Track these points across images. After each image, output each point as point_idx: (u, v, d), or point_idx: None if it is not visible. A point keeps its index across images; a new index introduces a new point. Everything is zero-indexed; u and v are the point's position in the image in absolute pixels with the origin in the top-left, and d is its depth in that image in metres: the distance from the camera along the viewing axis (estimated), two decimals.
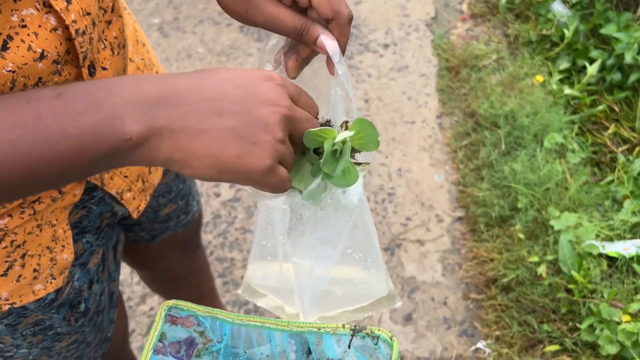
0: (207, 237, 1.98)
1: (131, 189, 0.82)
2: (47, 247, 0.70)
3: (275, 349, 0.75)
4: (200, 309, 0.73)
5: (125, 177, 0.80)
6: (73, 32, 0.56)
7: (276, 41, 0.67)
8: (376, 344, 0.69)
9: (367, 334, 0.69)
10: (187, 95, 0.48)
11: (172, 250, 1.13)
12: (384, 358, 0.70)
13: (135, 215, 0.85)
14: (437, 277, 1.83)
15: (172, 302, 0.72)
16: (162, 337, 0.72)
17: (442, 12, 2.64)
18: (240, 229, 2.01)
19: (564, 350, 1.53)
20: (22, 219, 0.64)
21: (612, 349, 1.40)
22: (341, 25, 0.60)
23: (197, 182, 1.47)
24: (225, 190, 2.13)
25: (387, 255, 1.89)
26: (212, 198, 2.10)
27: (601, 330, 1.44)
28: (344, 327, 0.70)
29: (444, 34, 2.51)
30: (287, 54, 0.66)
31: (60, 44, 0.55)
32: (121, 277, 1.86)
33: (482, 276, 1.77)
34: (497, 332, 1.63)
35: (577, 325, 1.54)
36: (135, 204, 0.85)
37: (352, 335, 0.70)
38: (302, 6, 0.61)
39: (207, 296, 1.39)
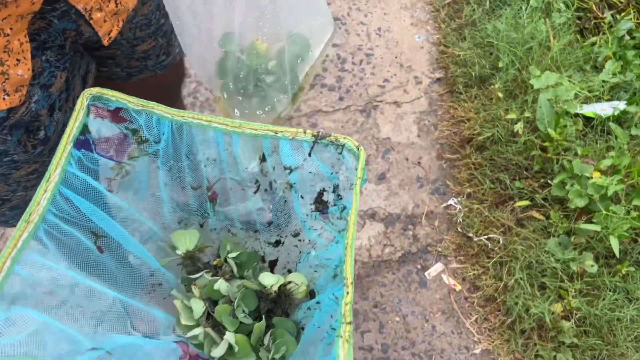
0: None
1: (102, 9, 0.74)
2: None
3: (222, 153, 0.66)
4: (131, 101, 0.62)
5: None
6: None
7: None
8: (340, 153, 0.62)
9: (331, 141, 0.62)
10: None
11: (149, 95, 1.06)
12: (348, 169, 0.63)
13: (105, 42, 0.77)
14: (412, 138, 1.81)
15: (95, 89, 0.61)
16: (84, 131, 0.62)
17: None
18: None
19: (533, 206, 1.56)
20: None
21: (581, 202, 1.42)
22: None
23: None
24: None
25: (363, 116, 1.85)
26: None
27: (572, 185, 1.46)
28: (305, 133, 0.62)
29: None
30: None
31: None
32: None
33: (457, 136, 1.76)
34: (469, 190, 1.65)
35: (549, 182, 1.56)
36: (106, 27, 0.76)
37: (314, 142, 0.62)
38: None
39: None
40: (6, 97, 0.66)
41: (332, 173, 0.64)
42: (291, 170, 0.65)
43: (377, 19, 2.03)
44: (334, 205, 0.66)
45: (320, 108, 1.88)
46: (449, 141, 1.77)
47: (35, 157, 0.77)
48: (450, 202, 1.66)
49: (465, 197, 1.65)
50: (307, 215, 0.69)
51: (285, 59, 0.66)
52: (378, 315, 1.51)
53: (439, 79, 1.90)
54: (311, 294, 0.71)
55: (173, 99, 1.17)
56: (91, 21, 0.73)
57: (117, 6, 0.76)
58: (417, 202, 1.68)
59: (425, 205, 1.67)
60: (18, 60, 0.65)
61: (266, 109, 0.70)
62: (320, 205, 0.67)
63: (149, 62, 0.95)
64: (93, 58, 0.87)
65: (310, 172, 0.65)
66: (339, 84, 1.93)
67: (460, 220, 1.62)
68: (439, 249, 1.59)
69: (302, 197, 0.68)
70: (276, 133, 0.61)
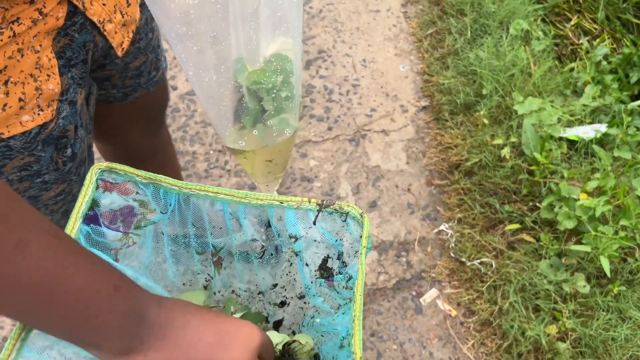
0: None
1: (112, 21, 0.78)
2: (31, 75, 0.66)
3: (229, 222, 0.67)
4: (139, 174, 0.64)
5: (104, 4, 0.76)
6: None
7: None
8: (344, 220, 0.63)
9: (335, 209, 0.63)
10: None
11: (138, 118, 1.08)
12: (352, 236, 0.64)
13: (119, 52, 0.82)
14: (401, 165, 1.84)
15: (105, 164, 0.63)
16: (93, 205, 0.63)
17: None
18: (201, 122, 1.94)
19: (523, 229, 1.58)
20: (1, 40, 0.61)
21: (570, 224, 1.45)
22: None
23: None
24: (183, 83, 2.03)
25: (352, 145, 1.88)
26: (169, 91, 2.00)
27: (560, 207, 1.49)
28: (309, 202, 0.64)
29: None
30: None
31: None
32: None
33: (446, 162, 1.79)
34: (460, 215, 1.67)
35: (537, 204, 1.59)
36: (118, 38, 0.81)
37: (319, 211, 0.64)
38: None
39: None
40: (40, 112, 0.69)
41: (336, 240, 0.65)
42: (296, 239, 0.66)
43: (361, 50, 2.08)
44: (339, 273, 0.67)
45: (309, 138, 1.90)
46: (438, 167, 1.80)
47: (64, 175, 0.80)
48: (442, 227, 1.68)
49: (456, 222, 1.67)
50: (311, 282, 0.70)
51: (295, 68, 0.66)
52: (375, 344, 1.51)
53: (424, 107, 1.94)
54: (315, 357, 0.72)
55: (158, 125, 1.19)
56: (105, 32, 0.78)
57: (123, 17, 0.81)
58: (409, 229, 1.69)
59: (417, 231, 1.69)
60: (48, 75, 0.69)
61: (286, 131, 0.71)
62: (325, 272, 0.68)
63: (142, 80, 0.99)
64: (93, 81, 0.89)
65: (315, 240, 0.66)
66: (327, 115, 1.96)
67: (453, 245, 1.63)
68: (433, 275, 1.61)
69: (306, 264, 0.69)
70: (282, 202, 0.63)
